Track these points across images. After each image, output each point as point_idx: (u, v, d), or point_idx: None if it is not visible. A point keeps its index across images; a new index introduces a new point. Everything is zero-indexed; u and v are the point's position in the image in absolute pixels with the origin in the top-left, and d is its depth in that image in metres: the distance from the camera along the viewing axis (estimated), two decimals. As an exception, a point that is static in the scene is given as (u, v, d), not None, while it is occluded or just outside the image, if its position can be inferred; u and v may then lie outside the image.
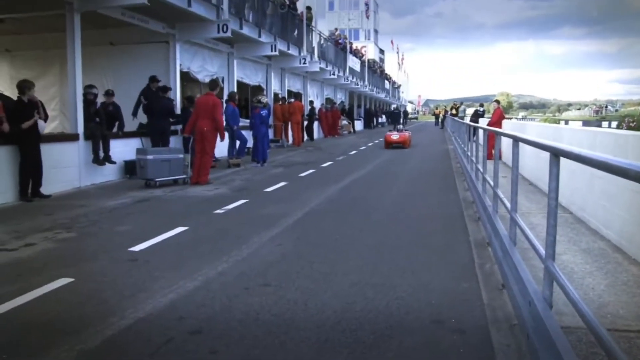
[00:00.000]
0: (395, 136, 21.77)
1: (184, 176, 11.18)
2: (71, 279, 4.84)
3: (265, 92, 20.53)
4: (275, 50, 19.04)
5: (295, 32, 23.15)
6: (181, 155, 11.14)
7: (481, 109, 27.16)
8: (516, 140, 4.46)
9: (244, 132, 15.79)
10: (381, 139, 27.54)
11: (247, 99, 21.31)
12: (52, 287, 4.64)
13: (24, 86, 9.42)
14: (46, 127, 10.07)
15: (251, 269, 5.17)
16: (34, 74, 14.22)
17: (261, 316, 3.98)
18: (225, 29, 14.40)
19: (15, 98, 9.65)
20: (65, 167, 10.48)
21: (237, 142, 15.48)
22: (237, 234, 6.68)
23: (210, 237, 6.52)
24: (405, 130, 24.05)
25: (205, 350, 3.46)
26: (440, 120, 50.37)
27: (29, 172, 9.29)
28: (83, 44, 11.03)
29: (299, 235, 6.56)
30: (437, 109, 54.72)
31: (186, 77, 15.92)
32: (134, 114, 13.05)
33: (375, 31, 75.78)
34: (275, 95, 22.93)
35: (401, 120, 45.89)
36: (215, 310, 4.10)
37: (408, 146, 21.53)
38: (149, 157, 10.63)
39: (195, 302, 4.29)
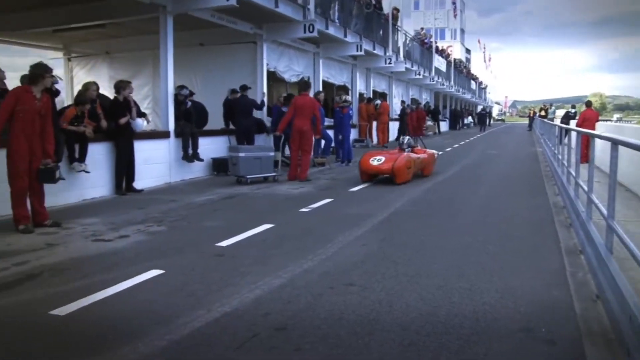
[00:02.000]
0: (375, 160, 11.11)
1: (273, 174, 11.39)
2: (162, 271, 5.01)
3: (350, 92, 20.56)
4: (360, 50, 19.01)
5: (381, 32, 23.05)
6: (272, 153, 11.35)
7: (572, 111, 25.81)
8: (615, 143, 4.23)
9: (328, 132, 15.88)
10: (467, 141, 27.04)
11: (333, 99, 21.41)
12: (144, 278, 4.82)
13: (120, 86, 9.90)
14: (143, 125, 10.51)
15: (336, 268, 5.17)
16: (129, 74, 14.93)
17: (345, 316, 3.97)
18: (311, 29, 14.52)
19: (112, 97, 10.15)
20: (157, 164, 10.89)
21: (322, 142, 15.57)
22: (322, 232, 6.70)
23: (295, 235, 6.58)
24: (415, 147, 12.69)
25: (289, 347, 3.48)
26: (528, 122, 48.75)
27: (124, 167, 9.72)
28: (175, 45, 11.47)
29: (384, 236, 6.51)
30: (530, 110, 52.67)
31: (273, 77, 16.16)
32: (227, 124, 13.40)
33: (462, 30, 74.47)
34: (361, 95, 22.90)
35: (487, 122, 44.67)
36: (300, 308, 4.12)
37: (403, 177, 10.98)
38: (241, 154, 10.90)
39: (280, 298, 4.32)
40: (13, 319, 3.99)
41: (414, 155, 11.77)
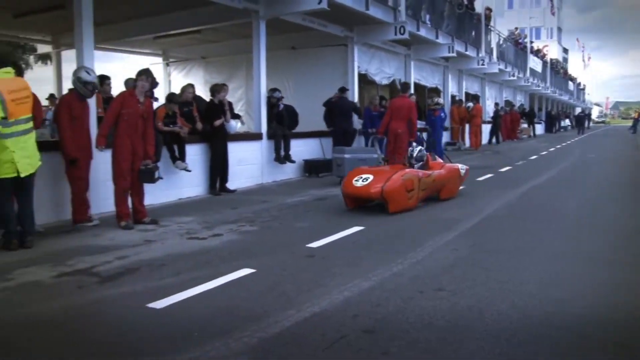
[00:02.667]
0: (360, 180, 8.10)
1: None
2: (253, 270, 5.11)
3: (442, 94, 20.25)
4: (452, 52, 18.70)
5: (473, 33, 22.56)
6: (375, 155, 11.38)
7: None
8: None
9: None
10: (564, 144, 25.99)
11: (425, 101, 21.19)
12: (236, 276, 4.94)
13: (215, 89, 10.28)
14: (237, 127, 10.82)
15: (426, 272, 5.09)
16: (224, 78, 15.47)
17: (434, 321, 3.90)
18: (402, 31, 14.43)
19: (207, 100, 10.52)
20: (250, 165, 11.16)
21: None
22: (412, 236, 6.63)
23: (385, 238, 6.55)
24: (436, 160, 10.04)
25: (377, 351, 3.45)
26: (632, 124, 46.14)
27: (218, 168, 10.03)
28: (267, 48, 11.73)
29: (475, 241, 6.35)
30: (636, 112, 49.58)
31: (364, 79, 16.18)
32: (327, 125, 13.55)
33: (559, 29, 71.59)
34: (452, 97, 22.52)
35: (586, 124, 42.67)
36: (389, 311, 4.09)
37: (399, 203, 8.01)
38: (347, 155, 11.01)
39: (369, 301, 4.31)
40: (115, 309, 4.21)
41: (422, 172, 8.64)
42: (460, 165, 10.03)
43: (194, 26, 13.03)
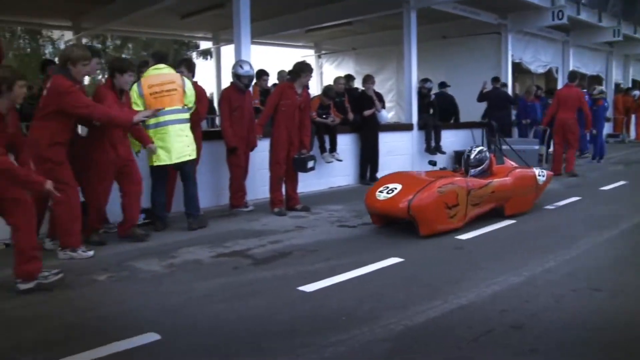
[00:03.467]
0: (384, 193, 6.26)
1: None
2: (401, 259, 5.18)
3: (604, 83, 18.90)
4: (618, 36, 17.26)
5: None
6: (536, 147, 10.99)
7: None
8: None
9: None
10: None
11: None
12: (384, 265, 5.03)
13: (366, 80, 10.43)
14: (388, 118, 10.94)
15: (580, 270, 4.85)
16: (374, 69, 15.60)
17: (589, 322, 3.71)
18: (560, 16, 13.60)
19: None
20: (400, 155, 11.20)
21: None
22: (566, 232, 6.33)
23: (537, 233, 6.32)
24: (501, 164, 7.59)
25: (525, 347, 3.37)
26: None
27: (368, 158, 10.21)
28: (418, 39, 11.64)
29: (637, 241, 5.93)
30: None
31: (518, 68, 15.54)
32: (484, 116, 13.32)
33: None
34: (617, 85, 20.91)
35: None
36: (539, 308, 3.96)
37: (432, 224, 6.08)
38: (504, 147, 10.77)
39: (518, 296, 4.20)
40: (268, 290, 4.46)
41: (473, 182, 6.62)
42: (538, 170, 7.73)
43: (345, 18, 13.24)
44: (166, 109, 6.15)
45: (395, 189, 6.21)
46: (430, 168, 7.36)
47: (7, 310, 4.09)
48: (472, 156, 7.12)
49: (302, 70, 7.53)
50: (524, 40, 15.25)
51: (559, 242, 5.79)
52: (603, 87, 14.93)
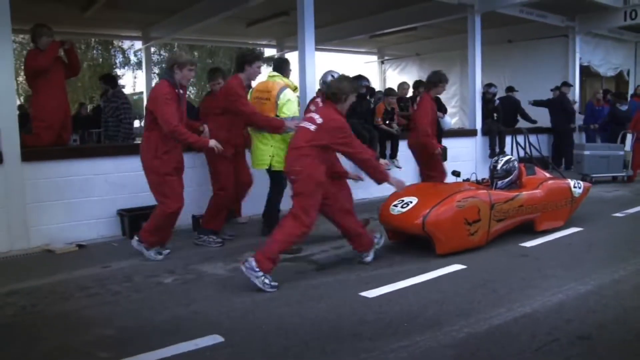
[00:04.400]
0: (399, 207, 5.82)
1: (623, 174, 10.77)
2: (464, 266, 5.16)
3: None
4: (696, 35, 16.55)
5: None
6: (621, 152, 10.73)
7: None
8: None
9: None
10: None
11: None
12: (447, 271, 5.03)
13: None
14: (451, 123, 10.86)
15: (652, 280, 4.71)
16: (438, 74, 15.43)
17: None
18: (633, 16, 13.11)
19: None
20: (464, 161, 11.03)
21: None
22: (637, 240, 6.13)
23: (606, 241, 6.14)
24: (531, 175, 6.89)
25: (591, 358, 3.31)
26: None
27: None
28: (482, 43, 11.50)
29: None
30: None
31: (586, 72, 15.09)
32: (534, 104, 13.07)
33: None
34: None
35: None
36: (608, 319, 3.86)
37: (450, 242, 5.59)
38: (586, 152, 10.60)
39: (585, 306, 4.11)
40: (331, 294, 4.52)
41: (498, 195, 6.08)
42: (572, 182, 6.99)
43: (408, 24, 13.18)
44: None
45: (411, 202, 5.77)
46: (453, 179, 6.89)
47: (80, 309, 4.31)
48: (498, 167, 6.62)
49: (440, 80, 7.72)
50: (592, 43, 14.79)
51: (628, 251, 5.62)
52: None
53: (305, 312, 4.13)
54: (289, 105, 6.25)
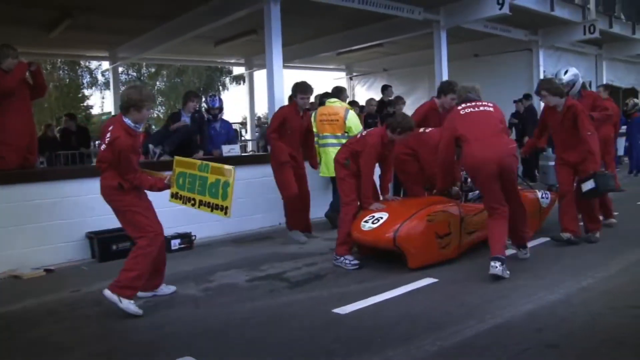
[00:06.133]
0: (370, 222, 5.74)
1: None
2: (435, 279, 5.20)
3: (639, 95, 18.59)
4: (653, 48, 17.06)
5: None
6: None
7: None
8: None
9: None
10: None
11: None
12: (418, 285, 5.06)
13: (396, 102, 10.57)
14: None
15: (618, 288, 4.79)
16: (406, 89, 15.72)
17: (627, 340, 3.67)
18: (592, 30, 13.51)
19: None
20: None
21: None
22: (605, 248, 6.24)
23: (573, 250, 6.22)
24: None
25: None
26: None
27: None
28: (449, 57, 11.71)
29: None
30: None
31: (550, 84, 15.42)
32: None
33: None
34: (653, 98, 20.55)
35: None
36: (576, 327, 3.93)
37: (421, 256, 5.61)
38: (551, 163, 10.67)
39: (555, 315, 4.18)
40: (304, 312, 4.52)
41: (466, 208, 6.16)
42: (540, 193, 7.11)
43: (375, 40, 13.36)
44: (326, 134, 7.85)
45: (382, 218, 5.72)
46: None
47: (50, 335, 4.23)
48: (469, 179, 6.47)
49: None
50: (555, 56, 15.17)
51: (596, 259, 5.73)
52: (637, 100, 14.62)
53: (278, 330, 4.11)
54: (356, 123, 7.87)
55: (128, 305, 4.51)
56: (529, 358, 3.48)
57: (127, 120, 4.62)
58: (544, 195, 7.07)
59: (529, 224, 6.16)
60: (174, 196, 5.00)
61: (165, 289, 5.12)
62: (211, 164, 4.81)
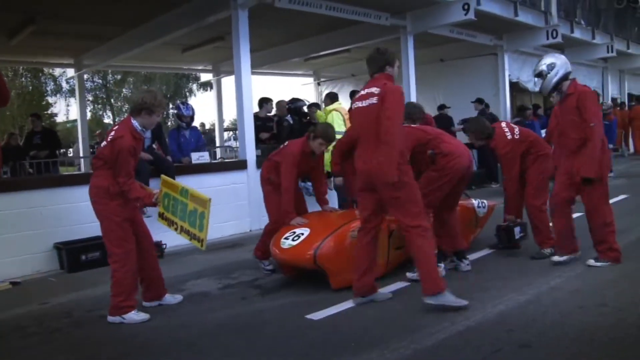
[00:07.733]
0: (290, 240, 5.20)
1: None
2: (407, 284, 5.25)
3: (601, 98, 19.04)
4: (612, 52, 17.47)
5: (636, 29, 20.94)
6: None
7: None
8: None
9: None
10: None
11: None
12: (391, 289, 5.09)
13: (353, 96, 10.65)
14: None
15: (586, 286, 4.89)
16: (375, 94, 15.71)
17: (597, 337, 3.75)
18: (554, 35, 13.83)
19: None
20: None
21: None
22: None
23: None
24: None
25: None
26: None
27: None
28: (416, 62, 11.84)
29: (642, 255, 5.96)
30: None
31: (515, 87, 15.71)
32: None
33: None
34: (614, 100, 21.06)
35: None
36: (547, 326, 4.00)
37: (342, 276, 5.03)
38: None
39: (525, 315, 4.25)
40: (277, 319, 4.51)
41: (394, 221, 5.16)
42: (477, 202, 6.73)
43: (343, 46, 13.43)
44: None
45: (302, 234, 5.21)
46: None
47: (18, 350, 4.15)
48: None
49: None
50: (520, 60, 15.47)
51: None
52: (609, 102, 14.97)
53: (253, 338, 4.10)
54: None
55: (132, 317, 4.54)
56: (503, 358, 3.53)
57: (135, 123, 4.63)
58: (480, 205, 6.72)
59: (463, 234, 5.90)
60: (161, 216, 4.89)
61: (171, 298, 5.09)
62: (190, 190, 4.64)
